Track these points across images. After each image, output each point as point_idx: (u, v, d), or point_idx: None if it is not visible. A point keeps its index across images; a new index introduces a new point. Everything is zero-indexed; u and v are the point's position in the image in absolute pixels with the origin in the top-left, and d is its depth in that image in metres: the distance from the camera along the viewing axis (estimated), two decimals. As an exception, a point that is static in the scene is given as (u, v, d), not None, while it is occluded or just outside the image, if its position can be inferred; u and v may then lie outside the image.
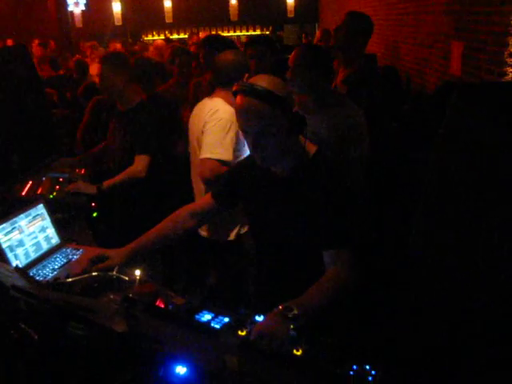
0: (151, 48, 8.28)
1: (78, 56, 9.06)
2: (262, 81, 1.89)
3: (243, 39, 13.95)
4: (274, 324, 1.68)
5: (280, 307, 1.71)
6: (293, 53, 3.15)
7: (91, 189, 3.36)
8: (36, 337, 1.49)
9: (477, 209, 0.74)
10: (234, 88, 1.92)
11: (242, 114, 1.91)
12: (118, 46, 9.52)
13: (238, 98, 1.91)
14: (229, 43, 4.52)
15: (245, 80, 3.00)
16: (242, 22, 16.17)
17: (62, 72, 7.83)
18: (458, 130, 0.69)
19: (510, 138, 0.63)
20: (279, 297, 1.79)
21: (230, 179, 2.31)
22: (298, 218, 2.01)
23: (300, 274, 2.06)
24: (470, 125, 0.66)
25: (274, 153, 1.94)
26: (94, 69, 7.55)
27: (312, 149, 2.05)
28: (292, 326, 1.67)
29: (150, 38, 15.93)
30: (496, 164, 0.64)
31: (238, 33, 16.22)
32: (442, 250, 0.88)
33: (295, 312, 1.70)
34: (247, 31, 16.30)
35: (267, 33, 15.10)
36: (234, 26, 16.36)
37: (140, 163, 3.38)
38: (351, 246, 1.96)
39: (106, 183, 3.38)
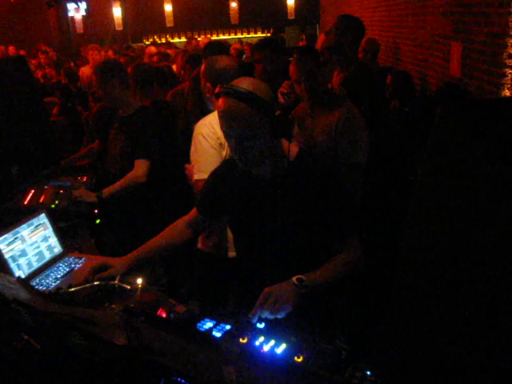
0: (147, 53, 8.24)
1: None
2: (244, 83, 1.88)
3: (244, 42, 13.96)
4: (282, 287, 1.83)
5: (293, 279, 1.86)
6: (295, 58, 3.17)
7: (91, 197, 3.33)
8: (38, 347, 1.50)
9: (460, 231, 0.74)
10: (216, 90, 1.90)
11: (225, 117, 1.89)
12: (110, 52, 9.49)
13: (221, 100, 1.88)
14: (226, 48, 4.55)
15: None
16: (243, 24, 16.20)
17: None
18: (442, 151, 0.69)
19: (495, 157, 0.63)
20: None
21: (210, 188, 2.28)
22: (283, 219, 2.00)
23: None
24: (454, 145, 0.66)
25: (256, 156, 1.93)
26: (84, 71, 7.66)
27: (294, 150, 2.04)
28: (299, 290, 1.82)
29: (151, 41, 15.94)
30: (482, 183, 0.64)
31: (238, 35, 16.24)
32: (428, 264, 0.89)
33: (303, 279, 1.85)
34: (248, 34, 16.32)
35: (268, 35, 15.08)
36: (234, 28, 16.40)
37: (140, 168, 3.33)
38: (356, 230, 2.05)
39: (106, 191, 3.35)
